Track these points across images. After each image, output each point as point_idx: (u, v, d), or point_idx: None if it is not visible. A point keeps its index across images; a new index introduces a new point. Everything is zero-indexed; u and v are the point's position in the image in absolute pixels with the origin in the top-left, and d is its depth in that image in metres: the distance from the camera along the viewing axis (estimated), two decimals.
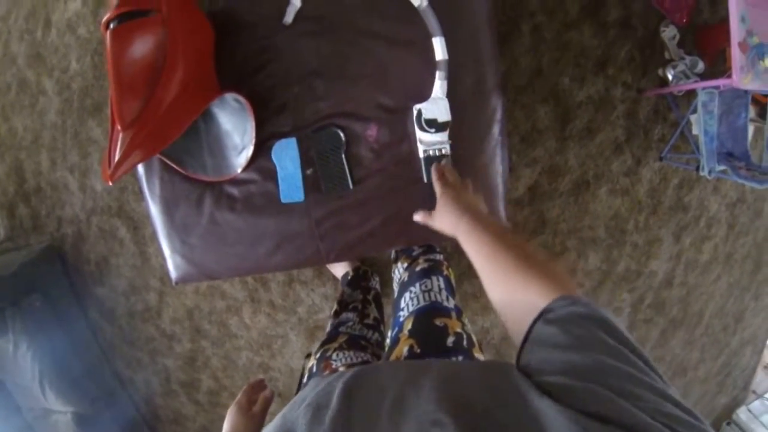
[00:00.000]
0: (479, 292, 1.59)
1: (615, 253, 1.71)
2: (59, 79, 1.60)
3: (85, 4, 1.53)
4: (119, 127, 0.64)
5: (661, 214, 1.71)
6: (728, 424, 2.36)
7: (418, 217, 0.70)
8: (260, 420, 0.54)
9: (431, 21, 0.75)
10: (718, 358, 2.14)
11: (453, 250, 1.56)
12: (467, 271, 1.59)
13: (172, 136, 0.66)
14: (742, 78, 1.15)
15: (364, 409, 0.31)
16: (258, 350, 1.78)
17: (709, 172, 1.35)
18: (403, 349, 0.64)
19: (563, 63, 1.48)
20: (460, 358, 0.60)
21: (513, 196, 1.57)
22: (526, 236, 1.62)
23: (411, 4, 0.75)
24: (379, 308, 1.15)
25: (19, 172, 1.74)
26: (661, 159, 1.61)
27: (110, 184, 0.62)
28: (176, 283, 0.96)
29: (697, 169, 1.39)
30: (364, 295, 1.18)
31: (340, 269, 1.51)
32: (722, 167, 1.37)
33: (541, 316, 0.34)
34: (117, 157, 0.62)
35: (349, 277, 1.39)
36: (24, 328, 1.47)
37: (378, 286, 1.40)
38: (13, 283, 1.49)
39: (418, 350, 0.62)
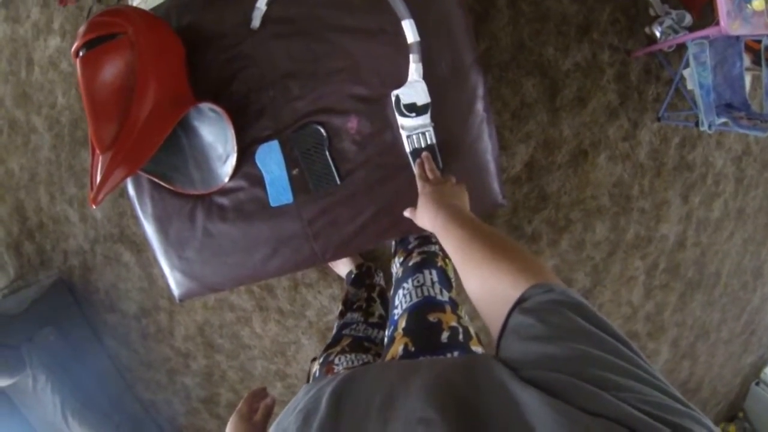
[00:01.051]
0: None
1: (622, 221, 1.68)
2: (48, 115, 1.62)
3: (65, 38, 1.55)
4: (98, 150, 0.64)
5: (666, 175, 1.67)
6: (757, 384, 2.30)
7: (407, 213, 0.70)
8: (261, 428, 0.54)
9: (398, 4, 0.73)
10: (741, 317, 2.09)
11: None
12: None
13: (150, 151, 0.66)
14: (731, 24, 1.12)
15: (353, 412, 0.32)
16: (272, 358, 1.78)
17: (709, 126, 1.31)
18: (398, 348, 0.63)
19: (545, 33, 1.45)
20: (456, 353, 0.59)
21: (510, 174, 1.54)
22: (528, 213, 1.59)
23: None
24: (385, 305, 1.14)
25: (21, 210, 1.77)
26: (658, 119, 1.57)
27: (94, 207, 0.62)
28: (180, 300, 0.96)
29: (697, 124, 1.35)
30: (368, 293, 1.18)
31: (343, 268, 1.51)
32: (722, 120, 1.33)
33: (517, 305, 0.34)
34: (98, 180, 0.62)
35: (353, 276, 1.38)
36: (41, 362, 1.50)
37: (383, 282, 1.40)
38: (27, 320, 1.52)
39: (413, 349, 0.61)
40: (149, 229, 0.91)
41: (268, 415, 0.56)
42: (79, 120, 1.59)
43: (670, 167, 1.66)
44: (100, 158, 0.65)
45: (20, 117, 1.68)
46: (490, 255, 0.42)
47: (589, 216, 1.64)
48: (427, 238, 0.95)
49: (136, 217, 0.91)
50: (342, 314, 1.11)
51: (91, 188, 0.64)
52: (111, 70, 0.66)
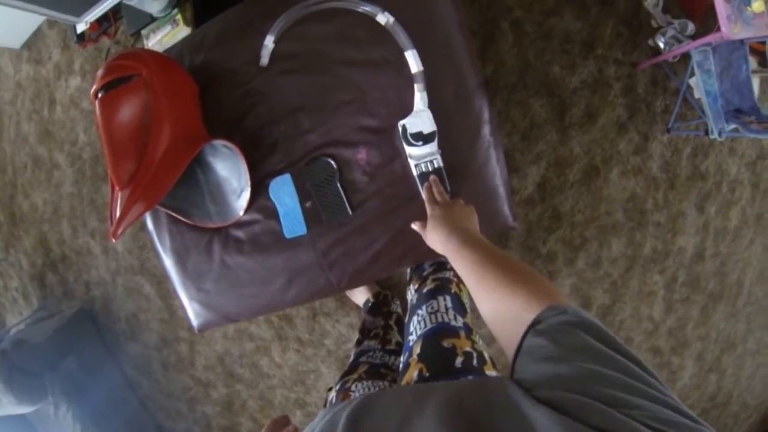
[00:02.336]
0: None
1: (638, 236, 1.65)
2: (70, 152, 1.69)
3: (84, 78, 1.63)
4: (117, 187, 0.67)
5: (680, 186, 1.64)
6: None
7: (416, 226, 0.72)
8: None
9: (400, 36, 0.76)
10: (767, 325, 2.01)
11: None
12: None
13: (167, 187, 0.69)
14: (732, 28, 1.11)
15: None
16: (292, 387, 1.77)
17: (719, 134, 1.30)
18: (413, 373, 0.63)
19: (550, 52, 1.47)
20: (470, 377, 0.59)
21: (522, 196, 1.54)
22: (542, 234, 1.58)
23: (379, 25, 0.77)
24: (402, 332, 1.14)
25: (44, 243, 1.83)
26: (668, 131, 1.56)
27: (114, 241, 0.65)
28: (199, 331, 0.97)
29: (707, 133, 1.34)
30: (385, 321, 1.18)
31: (360, 297, 1.51)
32: (733, 126, 1.31)
33: (531, 327, 0.35)
34: (118, 215, 0.65)
35: (370, 304, 1.39)
36: (63, 391, 1.53)
37: (399, 310, 1.39)
38: (50, 349, 1.56)
39: (428, 374, 0.61)
40: (168, 262, 0.93)
41: None
42: (99, 156, 1.65)
43: (684, 178, 1.63)
44: (119, 194, 0.68)
45: (43, 153, 1.76)
46: (504, 278, 0.43)
47: (605, 233, 1.62)
48: (441, 265, 0.95)
49: (155, 250, 0.94)
50: (359, 342, 1.11)
51: (111, 223, 0.67)
52: (128, 110, 0.69)
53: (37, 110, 1.74)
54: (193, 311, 0.94)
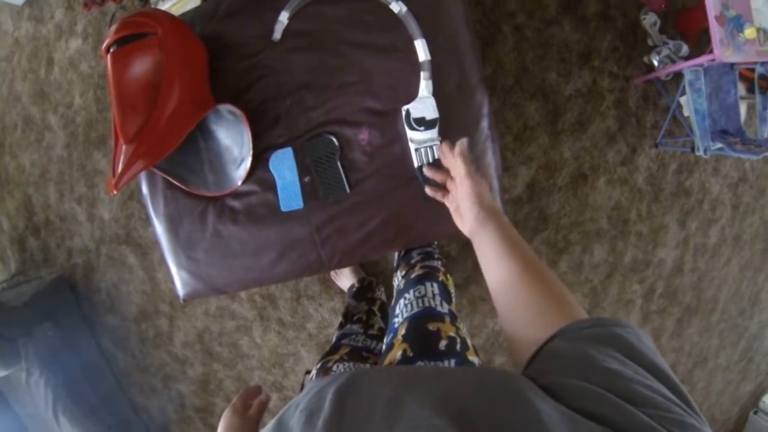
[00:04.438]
0: (486, 294, 1.57)
1: (620, 245, 1.70)
2: (64, 114, 1.66)
3: (86, 41, 1.60)
4: (122, 141, 0.67)
5: (663, 200, 1.70)
6: (755, 412, 2.28)
7: (430, 191, 0.67)
8: (255, 423, 0.54)
9: (411, 25, 0.78)
10: (738, 343, 2.09)
11: (457, 254, 1.57)
12: (473, 274, 1.59)
13: (171, 147, 0.70)
14: (724, 51, 1.17)
15: (356, 413, 0.31)
16: (270, 369, 1.77)
17: (705, 151, 1.36)
18: (397, 353, 0.64)
19: (548, 59, 1.51)
20: (453, 361, 0.60)
21: (512, 194, 1.57)
22: (529, 233, 1.62)
23: (391, 12, 0.79)
24: (385, 318, 1.15)
25: (28, 206, 1.79)
26: (656, 145, 1.62)
27: (115, 192, 0.65)
28: (184, 300, 0.97)
29: (693, 150, 1.40)
30: (369, 306, 1.19)
31: (345, 281, 1.52)
32: (718, 145, 1.37)
33: (557, 335, 0.35)
34: (120, 168, 0.65)
35: (355, 289, 1.40)
36: (37, 357, 1.50)
37: (384, 297, 1.41)
38: (26, 313, 1.53)
39: (411, 354, 0.63)
40: (159, 228, 0.93)
41: (262, 411, 0.56)
42: (94, 121, 1.63)
43: (668, 193, 1.70)
44: (123, 148, 0.68)
45: (36, 114, 1.72)
46: (543, 286, 0.43)
47: (588, 238, 1.66)
48: (429, 254, 0.98)
49: (147, 215, 0.94)
50: (342, 326, 1.13)
51: (113, 175, 0.67)
52: (140, 67, 0.69)
53: (34, 69, 1.70)
54: (180, 280, 0.94)
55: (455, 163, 0.60)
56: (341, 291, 1.61)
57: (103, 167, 1.65)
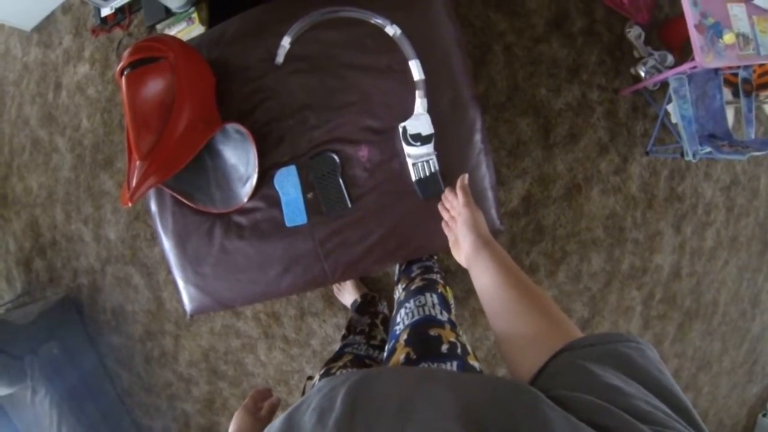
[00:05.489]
0: None
1: (617, 252, 1.72)
2: (71, 137, 1.71)
3: (93, 66, 1.66)
4: (136, 157, 0.71)
5: (657, 207, 1.73)
6: (764, 415, 2.26)
7: (448, 232, 0.70)
8: (266, 423, 0.55)
9: (406, 46, 0.83)
10: (741, 345, 2.09)
11: (456, 268, 1.59)
12: (473, 288, 1.60)
13: (181, 164, 0.74)
14: (705, 57, 1.21)
15: (368, 413, 0.31)
16: (275, 386, 1.77)
17: (694, 155, 1.39)
18: (400, 357, 0.66)
19: (538, 75, 1.57)
20: (455, 363, 0.62)
21: (508, 208, 1.61)
22: (526, 246, 1.65)
23: (387, 35, 0.84)
24: (387, 331, 1.16)
25: (35, 227, 1.82)
26: (647, 153, 1.66)
27: (129, 205, 0.68)
28: (191, 316, 0.99)
29: (682, 155, 1.43)
30: (372, 320, 1.21)
31: (348, 297, 1.54)
32: (707, 149, 1.41)
33: (560, 352, 0.35)
34: (134, 183, 0.69)
35: (357, 304, 1.42)
36: (42, 375, 1.51)
37: (386, 311, 1.42)
38: (32, 332, 1.55)
39: (414, 356, 0.64)
40: (167, 244, 0.96)
41: (272, 412, 0.58)
42: (101, 143, 1.67)
43: (661, 199, 1.73)
44: (138, 164, 0.72)
45: (44, 137, 1.77)
46: (541, 309, 0.44)
47: (585, 247, 1.69)
48: (429, 268, 1.00)
49: (155, 233, 0.97)
50: (344, 337, 1.14)
51: (128, 188, 0.72)
52: (152, 88, 0.74)
53: (42, 93, 1.75)
54: (187, 295, 0.97)
55: (456, 197, 0.67)
56: (344, 307, 1.62)
57: (109, 188, 1.69)
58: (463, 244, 0.62)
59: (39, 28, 1.79)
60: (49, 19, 1.78)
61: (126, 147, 0.75)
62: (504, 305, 0.48)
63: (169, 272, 0.98)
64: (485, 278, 0.53)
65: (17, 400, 1.56)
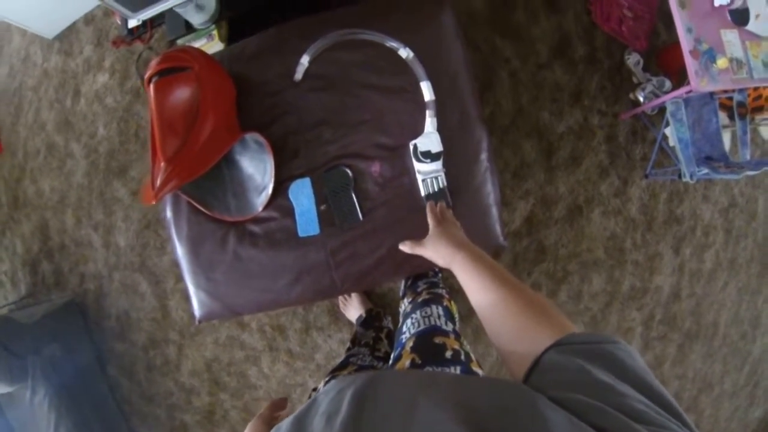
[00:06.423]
0: None
1: (617, 273, 1.75)
2: (87, 144, 1.75)
3: (113, 76, 1.72)
4: (161, 159, 0.75)
5: (656, 229, 1.77)
6: None
7: (405, 247, 0.74)
8: None
9: (418, 69, 0.88)
10: (743, 368, 2.09)
11: (459, 287, 1.60)
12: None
13: (203, 169, 0.78)
14: (699, 81, 1.27)
15: (374, 415, 0.32)
16: None
17: (691, 176, 1.43)
18: (406, 362, 0.69)
19: (541, 100, 1.63)
20: (458, 368, 0.65)
21: (511, 228, 1.64)
22: (528, 265, 1.67)
23: (400, 57, 0.89)
24: (392, 345, 1.18)
25: (44, 230, 1.85)
26: (646, 176, 1.71)
27: (153, 203, 0.72)
28: (200, 321, 1.01)
29: (680, 176, 1.48)
30: (376, 333, 1.23)
31: (353, 312, 1.55)
32: (704, 170, 1.46)
33: (552, 347, 0.36)
34: (159, 183, 0.73)
35: (363, 319, 1.44)
36: (44, 376, 1.51)
37: (390, 326, 1.44)
38: (36, 332, 1.55)
39: (419, 361, 0.67)
40: (181, 250, 0.98)
41: None
42: (115, 151, 1.72)
43: (660, 221, 1.77)
44: (162, 166, 0.75)
45: (59, 142, 1.81)
46: (526, 302, 0.45)
47: (586, 268, 1.71)
48: (434, 284, 1.03)
49: (168, 238, 0.99)
50: (349, 349, 1.16)
51: (153, 188, 0.75)
52: (179, 95, 0.78)
53: (60, 100, 1.80)
54: (198, 300, 0.98)
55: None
56: (350, 323, 1.63)
57: (122, 196, 1.73)
58: (440, 252, 0.65)
59: (60, 37, 1.85)
60: (71, 29, 1.84)
61: (150, 149, 0.78)
62: (488, 301, 0.50)
63: (180, 280, 1.00)
64: (465, 278, 0.55)
65: (16, 399, 1.55)
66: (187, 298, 1.02)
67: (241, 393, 1.77)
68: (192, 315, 1.00)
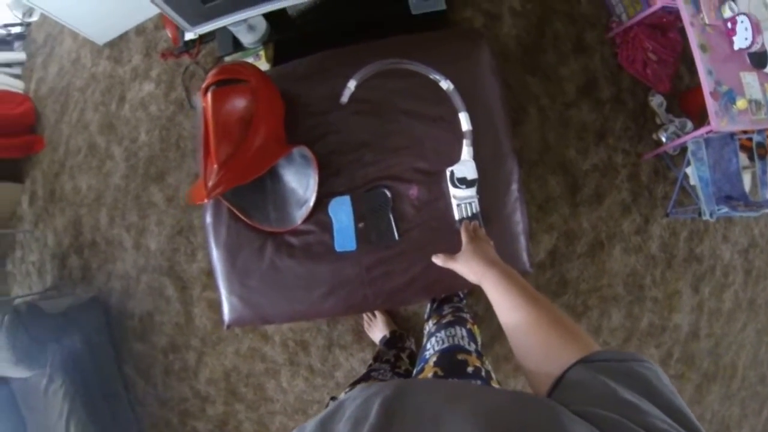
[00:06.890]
0: (510, 355, 1.59)
1: (636, 309, 1.74)
2: (128, 147, 1.84)
3: (159, 86, 1.82)
4: (214, 163, 0.80)
5: (676, 267, 1.77)
6: None
7: (438, 260, 0.75)
8: None
9: (457, 100, 0.93)
10: (761, 412, 2.02)
11: (484, 313, 1.63)
12: (498, 334, 1.63)
13: (253, 175, 0.83)
14: (719, 121, 1.31)
15: (403, 424, 0.32)
16: (293, 415, 1.74)
17: (711, 215, 1.45)
18: (428, 375, 0.72)
19: (568, 137, 1.68)
20: (479, 382, 0.68)
21: (535, 260, 1.65)
22: (550, 297, 1.68)
23: (440, 88, 0.94)
24: (413, 364, 1.19)
25: (77, 226, 1.92)
26: (667, 215, 1.72)
27: (206, 201, 0.77)
28: (228, 327, 1.03)
29: (700, 214, 1.49)
30: (398, 352, 1.25)
31: (378, 333, 1.56)
32: (724, 209, 1.47)
33: (577, 364, 0.37)
34: (211, 184, 0.78)
35: (386, 340, 1.45)
36: (62, 365, 1.53)
37: (413, 347, 1.45)
38: (59, 322, 1.59)
39: (441, 374, 0.70)
40: (217, 255, 1.02)
41: None
42: (155, 158, 1.79)
43: (680, 259, 1.77)
44: (215, 169, 0.80)
45: (101, 143, 1.90)
46: (554, 320, 0.46)
47: (606, 303, 1.71)
48: (459, 308, 1.05)
49: (206, 243, 1.03)
50: (370, 365, 1.18)
51: (205, 188, 0.80)
52: (235, 105, 0.84)
53: (105, 103, 1.89)
54: (229, 305, 1.01)
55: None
56: (373, 343, 1.63)
57: (158, 200, 1.79)
58: (472, 268, 0.67)
59: (111, 44, 1.97)
60: (123, 38, 1.96)
61: (202, 153, 0.82)
62: (517, 318, 0.50)
63: (206, 288, 1.02)
64: (496, 295, 0.56)
65: (31, 387, 1.57)
66: (214, 305, 1.04)
67: (257, 405, 1.76)
68: (219, 321, 1.03)
